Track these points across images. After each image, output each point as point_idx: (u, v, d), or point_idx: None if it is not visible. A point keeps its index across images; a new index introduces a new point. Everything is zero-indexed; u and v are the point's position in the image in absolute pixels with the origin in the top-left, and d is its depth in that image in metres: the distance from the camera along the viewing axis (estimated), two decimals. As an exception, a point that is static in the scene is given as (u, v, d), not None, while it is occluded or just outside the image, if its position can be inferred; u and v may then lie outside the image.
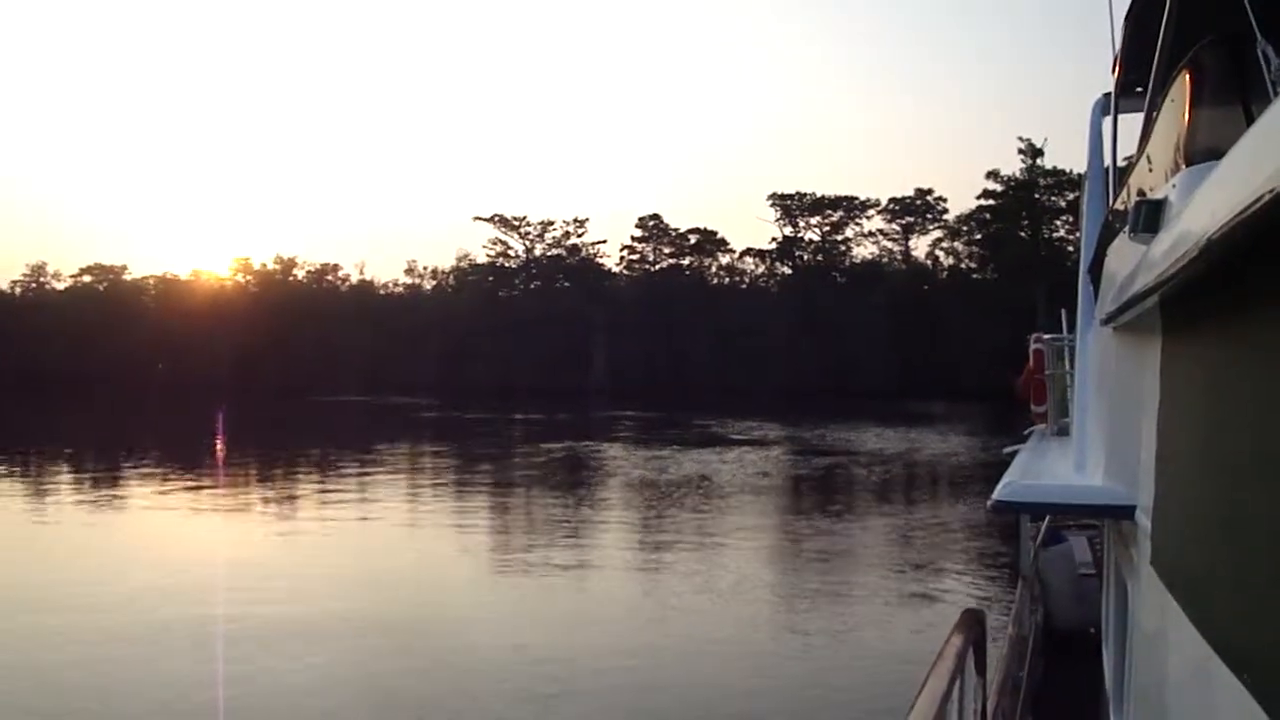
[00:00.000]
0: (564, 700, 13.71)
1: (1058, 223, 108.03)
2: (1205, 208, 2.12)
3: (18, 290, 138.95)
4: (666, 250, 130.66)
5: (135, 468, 43.15)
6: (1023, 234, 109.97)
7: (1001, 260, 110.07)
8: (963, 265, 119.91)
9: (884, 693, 13.08)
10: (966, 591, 19.87)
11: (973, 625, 5.10)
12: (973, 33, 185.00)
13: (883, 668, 14.54)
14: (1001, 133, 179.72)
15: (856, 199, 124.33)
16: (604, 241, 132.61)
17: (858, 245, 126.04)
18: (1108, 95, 7.00)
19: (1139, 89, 5.93)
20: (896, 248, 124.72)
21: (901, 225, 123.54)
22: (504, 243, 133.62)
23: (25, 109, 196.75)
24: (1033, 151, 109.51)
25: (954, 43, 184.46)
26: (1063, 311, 10.73)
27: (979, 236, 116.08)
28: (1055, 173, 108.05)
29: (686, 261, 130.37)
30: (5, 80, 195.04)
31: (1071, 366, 9.44)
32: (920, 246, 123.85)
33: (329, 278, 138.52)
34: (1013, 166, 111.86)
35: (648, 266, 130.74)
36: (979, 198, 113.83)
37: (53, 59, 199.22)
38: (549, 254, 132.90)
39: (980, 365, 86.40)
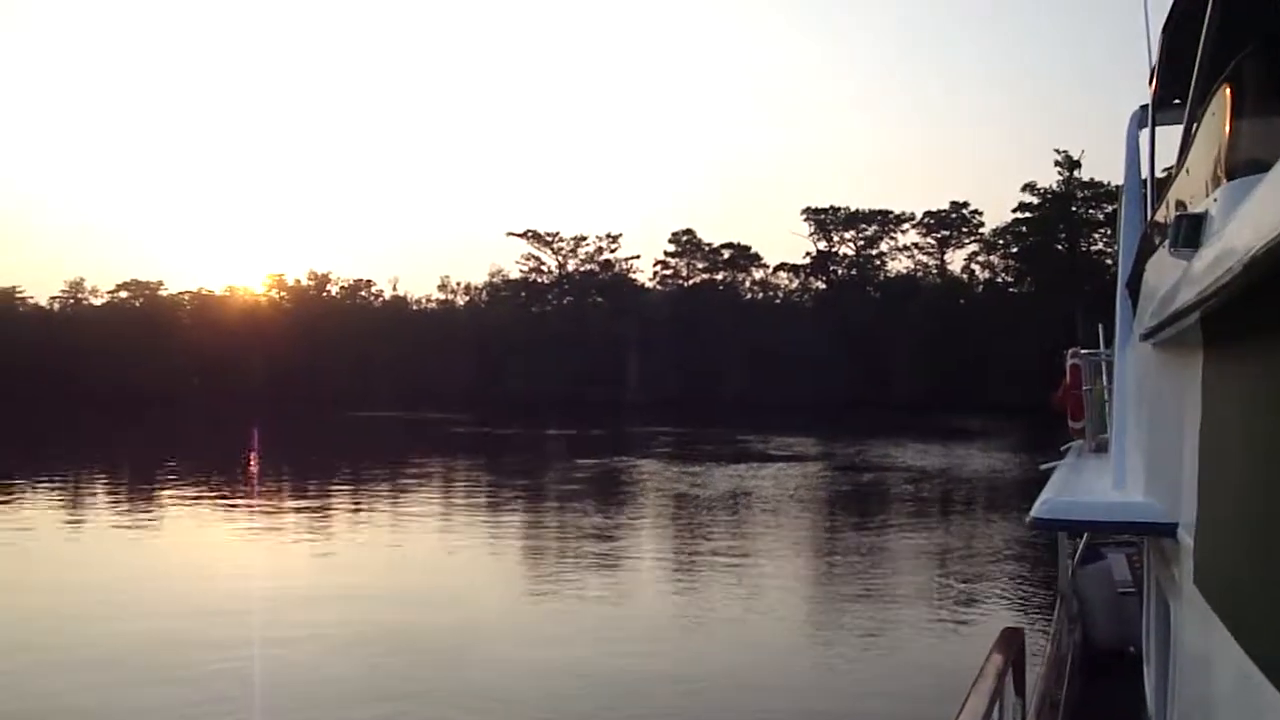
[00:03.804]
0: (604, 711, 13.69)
1: (1096, 235, 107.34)
2: (1248, 222, 2.08)
3: (56, 306, 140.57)
4: (700, 265, 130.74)
5: (179, 487, 43.46)
6: (1060, 247, 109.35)
7: (1038, 274, 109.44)
8: (999, 279, 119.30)
9: (922, 712, 12.97)
10: (1006, 609, 19.68)
11: (1012, 644, 5.04)
12: (1008, 44, 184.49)
13: (921, 686, 14.38)
14: (1038, 145, 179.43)
15: (891, 213, 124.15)
16: (637, 257, 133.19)
17: (892, 259, 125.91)
18: (1145, 107, 6.92)
19: (1177, 101, 5.85)
20: (932, 262, 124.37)
21: (937, 239, 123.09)
22: (537, 258, 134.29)
23: (63, 127, 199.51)
24: (1070, 163, 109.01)
25: (989, 55, 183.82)
26: (1100, 326, 10.62)
27: (1015, 250, 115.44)
28: (1093, 185, 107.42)
29: (720, 276, 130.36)
30: (43, 98, 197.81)
31: (1109, 382, 9.33)
32: (956, 260, 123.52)
33: (362, 293, 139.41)
34: (1049, 179, 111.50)
35: (681, 281, 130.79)
36: (1015, 210, 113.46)
37: (90, 78, 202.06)
38: (582, 269, 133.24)
39: (1018, 380, 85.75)
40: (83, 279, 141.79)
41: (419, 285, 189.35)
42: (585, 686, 15.00)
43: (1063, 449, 10.27)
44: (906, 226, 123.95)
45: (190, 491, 40.45)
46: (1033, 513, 5.06)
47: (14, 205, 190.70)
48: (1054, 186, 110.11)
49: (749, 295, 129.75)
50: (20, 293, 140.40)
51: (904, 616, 19.35)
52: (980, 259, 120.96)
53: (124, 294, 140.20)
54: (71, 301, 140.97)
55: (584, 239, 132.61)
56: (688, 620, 19.48)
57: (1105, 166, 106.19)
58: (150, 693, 14.39)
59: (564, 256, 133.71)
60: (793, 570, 24.65)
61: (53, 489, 42.24)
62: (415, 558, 26.48)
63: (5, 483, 42.65)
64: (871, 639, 17.71)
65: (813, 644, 17.87)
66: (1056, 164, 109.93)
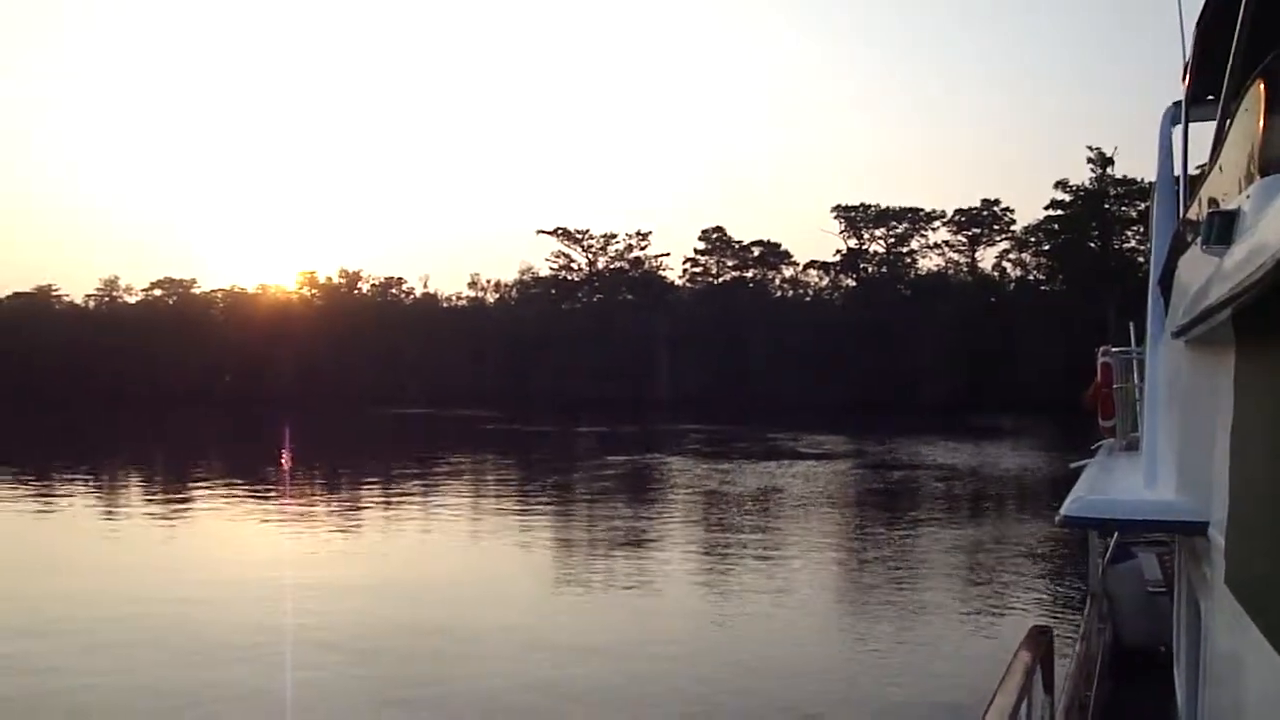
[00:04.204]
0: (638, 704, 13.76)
1: (1129, 233, 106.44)
2: None
3: (91, 304, 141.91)
4: (730, 263, 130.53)
5: (213, 482, 43.83)
6: (1092, 245, 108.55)
7: (1071, 271, 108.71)
8: (1031, 277, 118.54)
9: (950, 708, 12.96)
10: (1036, 608, 19.60)
11: (1040, 642, 5.02)
12: (1040, 40, 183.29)
13: (950, 682, 14.37)
14: (1070, 142, 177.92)
15: (921, 210, 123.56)
16: (667, 254, 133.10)
17: (923, 257, 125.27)
18: (1178, 104, 6.88)
19: (1210, 97, 5.81)
20: (962, 259, 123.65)
21: (967, 237, 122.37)
22: (567, 255, 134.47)
23: (99, 128, 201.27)
24: (1102, 160, 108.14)
25: (1021, 51, 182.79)
26: (1131, 324, 10.55)
27: (1047, 247, 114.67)
28: (1126, 182, 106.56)
29: (750, 274, 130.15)
30: (79, 100, 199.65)
31: (1141, 380, 9.27)
32: (987, 258, 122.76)
33: (393, 291, 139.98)
34: (1082, 176, 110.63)
35: (711, 279, 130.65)
36: (1047, 208, 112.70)
37: (126, 80, 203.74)
38: (612, 267, 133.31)
39: (1050, 378, 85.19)
40: (117, 277, 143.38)
41: (449, 283, 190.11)
42: (614, 676, 15.18)
43: (1093, 447, 10.22)
44: (937, 224, 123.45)
45: (224, 487, 40.84)
46: (1063, 510, 5.04)
47: (50, 204, 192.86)
48: (1087, 184, 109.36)
49: (779, 293, 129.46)
50: (56, 291, 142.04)
51: (934, 613, 19.31)
52: (1011, 257, 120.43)
53: (158, 292, 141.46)
54: (106, 299, 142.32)
55: (614, 236, 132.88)
56: (718, 614, 19.65)
57: (1139, 163, 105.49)
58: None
59: (594, 254, 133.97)
60: (823, 566, 24.64)
61: (89, 484, 42.70)
62: (447, 552, 26.70)
63: (43, 477, 43.18)
64: (902, 635, 17.70)
65: (843, 639, 17.89)
66: (1089, 161, 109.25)
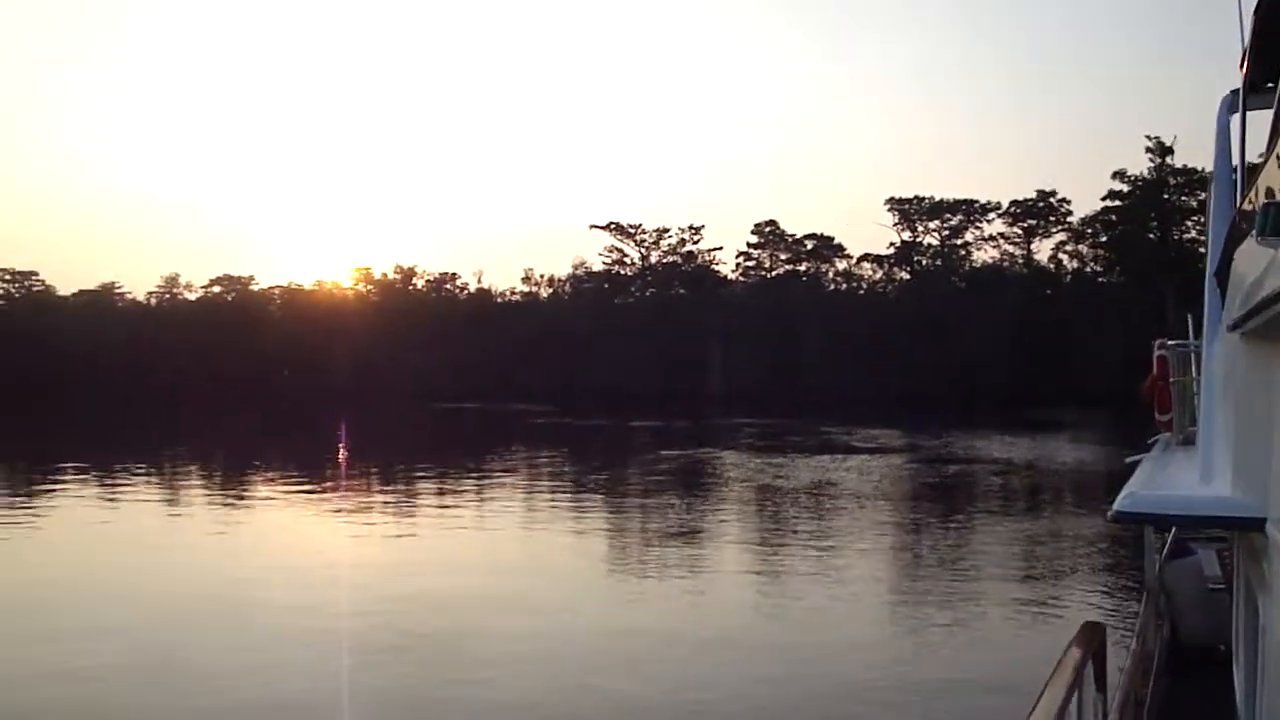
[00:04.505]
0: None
1: (1188, 224, 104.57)
2: None
3: (153, 300, 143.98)
4: (783, 256, 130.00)
5: (272, 477, 44.43)
6: (1151, 236, 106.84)
7: (1129, 263, 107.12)
8: (1088, 269, 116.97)
9: (1003, 703, 12.84)
10: (1092, 603, 19.40)
11: (1092, 638, 4.95)
12: (1097, 28, 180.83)
13: (1004, 677, 14.23)
14: (1128, 131, 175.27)
15: (976, 202, 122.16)
16: (720, 248, 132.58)
17: (978, 249, 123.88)
18: (1235, 92, 6.75)
19: (1269, 85, 5.70)
20: (1018, 251, 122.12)
21: (1023, 228, 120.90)
22: (620, 250, 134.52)
23: (157, 127, 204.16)
24: (1161, 150, 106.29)
25: (1078, 39, 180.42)
26: (1189, 316, 10.40)
27: (1105, 239, 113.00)
28: (1186, 171, 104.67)
29: (803, 267, 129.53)
30: (140, 103, 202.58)
31: (1199, 373, 9.12)
32: (1043, 250, 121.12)
33: (447, 286, 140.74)
34: (1140, 166, 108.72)
35: (764, 273, 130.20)
36: (1104, 199, 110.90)
37: (183, 82, 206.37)
38: (664, 261, 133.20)
39: (1108, 372, 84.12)
40: (178, 274, 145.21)
41: (503, 278, 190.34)
42: (667, 667, 15.29)
43: (1150, 442, 10.08)
44: (992, 216, 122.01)
45: (283, 481, 41.44)
46: (1116, 505, 4.98)
47: (113, 203, 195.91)
48: (1145, 173, 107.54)
49: (832, 286, 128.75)
50: (119, 288, 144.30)
51: (989, 608, 19.19)
52: (1068, 248, 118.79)
53: (217, 289, 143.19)
54: (167, 296, 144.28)
55: (666, 231, 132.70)
56: (772, 606, 19.76)
57: (1200, 152, 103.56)
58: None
59: (646, 248, 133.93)
60: (877, 560, 24.57)
61: (151, 478, 43.42)
62: (503, 544, 26.87)
63: (105, 471, 43.95)
64: (955, 629, 17.61)
65: (896, 632, 17.87)
66: (1148, 150, 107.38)
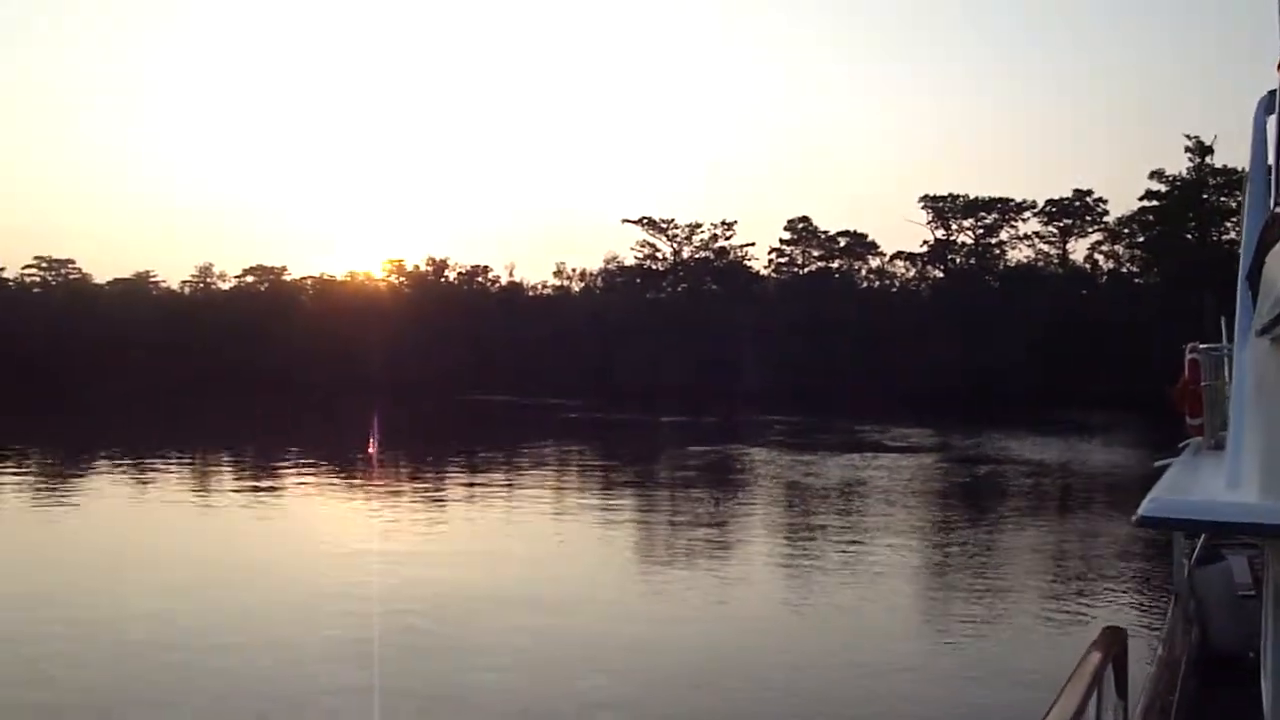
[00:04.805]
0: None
1: (1228, 225, 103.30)
2: None
3: (187, 290, 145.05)
4: (815, 253, 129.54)
5: (304, 467, 44.75)
6: (1189, 236, 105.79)
7: (1166, 264, 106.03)
8: (1124, 269, 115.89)
9: (1028, 704, 12.77)
10: (1121, 608, 19.31)
11: (1113, 643, 4.89)
12: (1134, 25, 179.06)
13: (1030, 679, 14.18)
14: (1166, 130, 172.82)
15: (1011, 200, 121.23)
16: (752, 244, 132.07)
17: (1012, 248, 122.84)
18: (1273, 93, 6.67)
19: None
20: (1053, 251, 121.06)
21: (1059, 228, 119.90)
22: (652, 245, 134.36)
23: (191, 120, 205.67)
24: (1200, 149, 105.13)
25: (1115, 36, 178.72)
26: (1222, 319, 10.28)
27: (1142, 239, 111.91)
28: (1225, 172, 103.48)
29: (836, 264, 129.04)
30: (172, 93, 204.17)
31: (1231, 377, 9.00)
32: (1079, 250, 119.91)
33: (479, 279, 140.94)
34: (1179, 165, 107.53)
35: (796, 269, 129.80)
36: (1142, 199, 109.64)
37: (215, 72, 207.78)
38: (696, 256, 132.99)
39: (1143, 374, 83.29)
40: (211, 264, 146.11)
41: (535, 271, 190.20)
42: (695, 664, 15.37)
43: (1180, 446, 9.98)
44: (1027, 214, 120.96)
45: (314, 471, 41.74)
46: (1140, 510, 4.91)
47: (148, 192, 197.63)
48: (1184, 173, 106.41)
49: (865, 284, 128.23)
50: (154, 277, 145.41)
51: (1017, 610, 19.14)
52: (1104, 249, 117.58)
53: (250, 279, 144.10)
54: (201, 286, 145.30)
55: (699, 226, 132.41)
56: (799, 605, 19.78)
57: (1240, 153, 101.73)
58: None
59: (679, 243, 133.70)
60: (906, 560, 24.49)
61: (186, 466, 43.83)
62: (534, 538, 27.01)
63: (142, 461, 44.40)
64: (981, 629, 17.59)
65: (922, 631, 17.89)
66: (1187, 150, 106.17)
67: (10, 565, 22.78)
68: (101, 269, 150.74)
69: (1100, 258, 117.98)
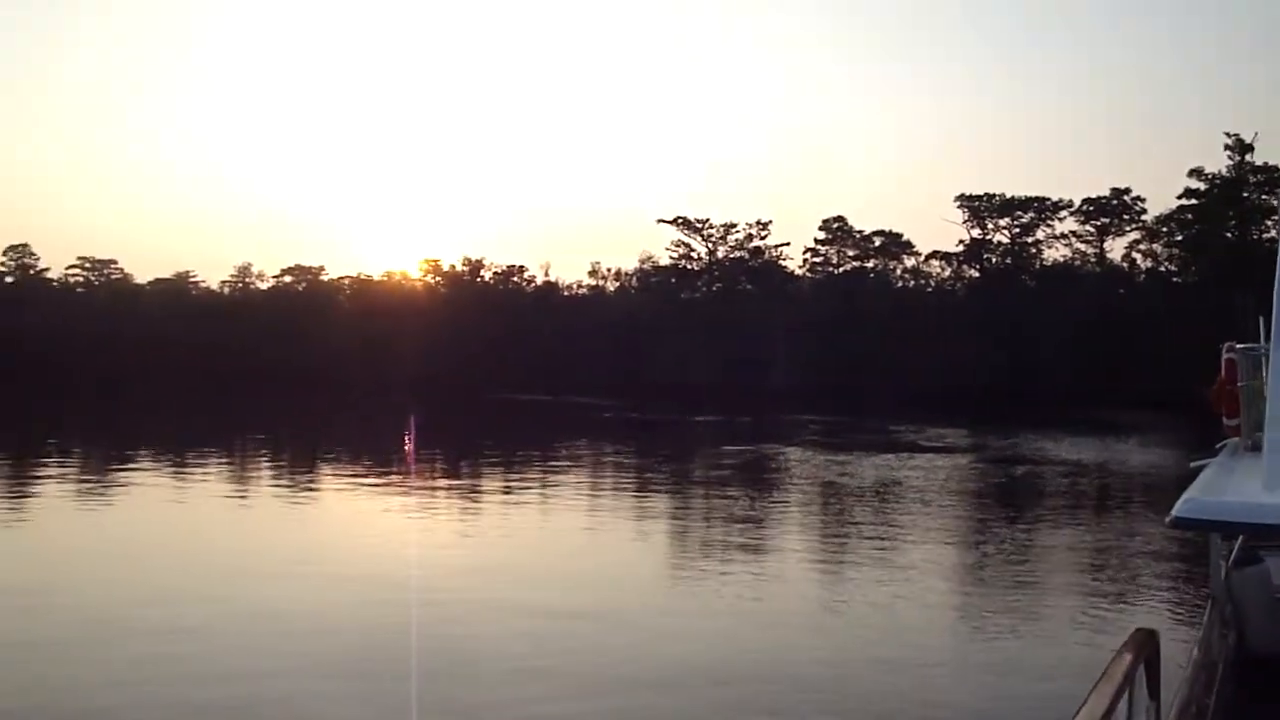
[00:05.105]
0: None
1: (1268, 223, 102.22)
2: None
3: (227, 290, 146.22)
4: (850, 253, 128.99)
5: (341, 465, 45.14)
6: (1229, 235, 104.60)
7: (1205, 263, 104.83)
8: (1162, 268, 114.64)
9: (1059, 707, 12.77)
10: (1158, 610, 19.22)
11: (1144, 644, 4.90)
12: (1173, 23, 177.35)
13: (1064, 681, 14.17)
14: (1206, 127, 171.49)
15: (1048, 200, 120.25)
16: (787, 244, 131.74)
17: (1049, 247, 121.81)
18: None
19: None
20: (1090, 250, 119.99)
21: (1096, 226, 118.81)
22: (687, 245, 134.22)
23: (230, 122, 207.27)
24: (1241, 147, 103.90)
25: (1154, 33, 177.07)
26: (1260, 318, 10.23)
27: (1180, 238, 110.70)
28: (1266, 169, 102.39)
29: (871, 264, 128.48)
30: (209, 95, 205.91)
31: (1269, 377, 8.97)
32: (1116, 249, 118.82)
33: (514, 279, 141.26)
34: (1219, 163, 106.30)
35: (831, 269, 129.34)
36: (1180, 197, 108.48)
37: (253, 74, 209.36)
38: (731, 256, 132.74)
39: (1182, 374, 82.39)
40: (250, 264, 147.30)
41: (570, 271, 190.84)
42: (729, 663, 15.43)
43: (1217, 447, 9.94)
44: (1064, 214, 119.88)
45: (353, 469, 42.08)
46: (1174, 511, 4.95)
47: (187, 193, 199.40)
48: (1224, 171, 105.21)
49: (900, 283, 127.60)
50: (193, 277, 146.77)
51: (1051, 609, 19.12)
52: (1142, 247, 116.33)
53: (288, 279, 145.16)
54: (240, 285, 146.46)
55: (734, 226, 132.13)
56: (833, 602, 19.87)
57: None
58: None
59: (713, 243, 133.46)
60: (940, 559, 24.44)
61: (227, 463, 44.28)
62: (569, 535, 27.23)
63: (182, 457, 44.92)
64: (1017, 629, 17.56)
65: (957, 630, 17.91)
66: (1227, 148, 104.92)
67: (59, 556, 23.18)
68: (143, 269, 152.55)
69: (1138, 257, 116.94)
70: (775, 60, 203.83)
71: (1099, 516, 33.25)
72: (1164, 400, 79.37)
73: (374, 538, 26.35)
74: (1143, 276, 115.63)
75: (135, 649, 15.51)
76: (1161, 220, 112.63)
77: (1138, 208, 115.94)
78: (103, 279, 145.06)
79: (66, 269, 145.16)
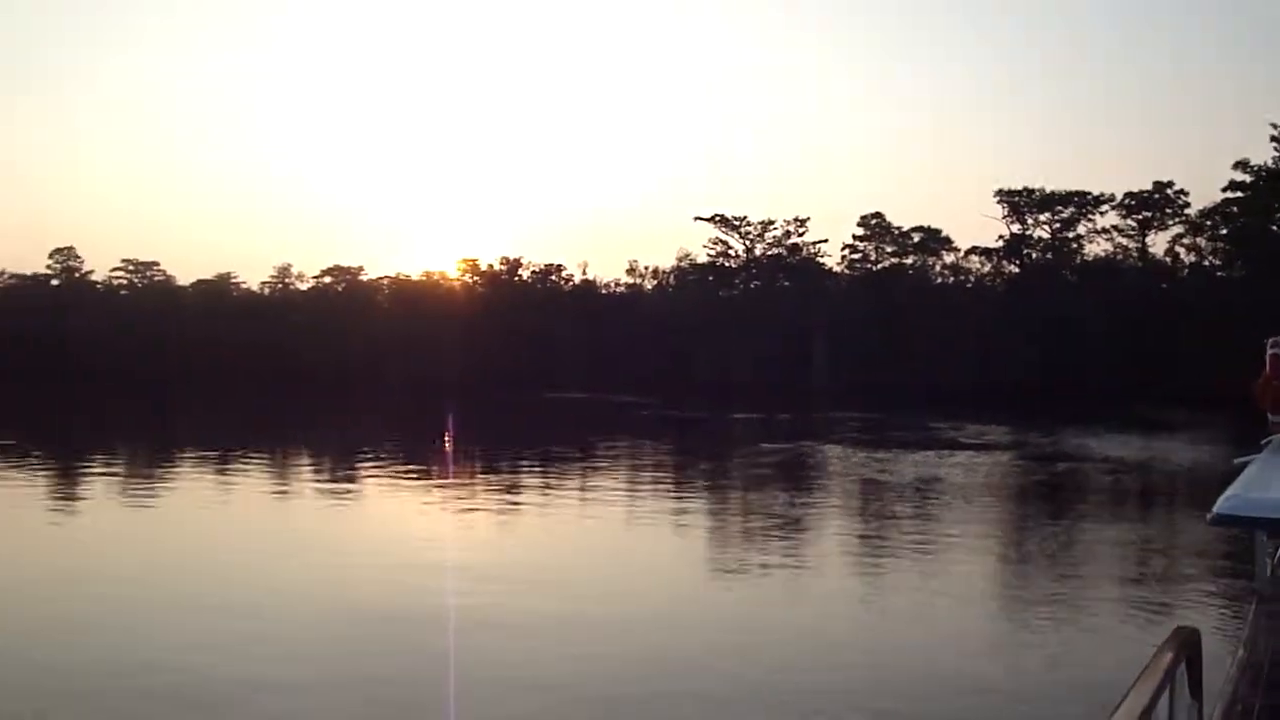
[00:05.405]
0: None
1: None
2: None
3: (267, 290, 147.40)
4: (889, 249, 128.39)
5: (381, 464, 45.44)
6: (1275, 228, 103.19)
7: (1250, 257, 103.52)
8: (1206, 263, 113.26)
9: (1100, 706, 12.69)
10: (1200, 607, 19.01)
11: (1186, 642, 4.86)
12: (1216, 12, 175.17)
13: (1104, 680, 14.08)
14: (1250, 119, 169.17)
15: (1089, 194, 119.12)
16: (825, 241, 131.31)
17: (1090, 242, 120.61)
18: None
19: None
20: (1132, 245, 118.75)
21: (1137, 221, 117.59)
22: (724, 242, 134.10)
23: (269, 123, 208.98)
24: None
25: (1196, 23, 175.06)
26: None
27: (1224, 232, 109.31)
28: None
29: (909, 260, 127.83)
30: (250, 97, 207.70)
31: None
32: (1158, 243, 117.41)
33: (552, 278, 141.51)
34: (1264, 155, 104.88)
35: (869, 265, 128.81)
36: (1225, 190, 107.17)
37: (293, 77, 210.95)
38: (769, 253, 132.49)
39: (1226, 370, 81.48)
40: (290, 265, 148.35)
41: (608, 269, 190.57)
42: (769, 656, 15.50)
43: (1262, 443, 9.85)
44: (1105, 208, 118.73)
45: (392, 467, 42.38)
46: (1216, 508, 4.92)
47: (228, 193, 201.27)
48: (1269, 163, 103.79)
49: (939, 279, 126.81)
50: (234, 278, 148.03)
51: (1092, 606, 18.99)
52: (1185, 241, 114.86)
53: (328, 279, 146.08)
54: (280, 286, 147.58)
55: (771, 223, 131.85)
56: (872, 597, 19.90)
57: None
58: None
59: (751, 240, 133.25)
60: (982, 556, 24.36)
61: (271, 463, 44.72)
62: (609, 531, 27.31)
63: (226, 455, 45.35)
64: (1058, 625, 17.48)
65: (997, 625, 17.87)
66: (1273, 139, 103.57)
67: (109, 550, 23.55)
68: (185, 271, 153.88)
69: (1181, 251, 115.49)
70: (811, 56, 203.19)
71: (1142, 514, 32.98)
72: (1208, 396, 78.56)
73: (419, 538, 26.52)
74: (1186, 271, 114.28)
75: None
76: (1205, 213, 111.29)
77: (1180, 201, 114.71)
78: (146, 281, 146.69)
79: (110, 271, 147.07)
